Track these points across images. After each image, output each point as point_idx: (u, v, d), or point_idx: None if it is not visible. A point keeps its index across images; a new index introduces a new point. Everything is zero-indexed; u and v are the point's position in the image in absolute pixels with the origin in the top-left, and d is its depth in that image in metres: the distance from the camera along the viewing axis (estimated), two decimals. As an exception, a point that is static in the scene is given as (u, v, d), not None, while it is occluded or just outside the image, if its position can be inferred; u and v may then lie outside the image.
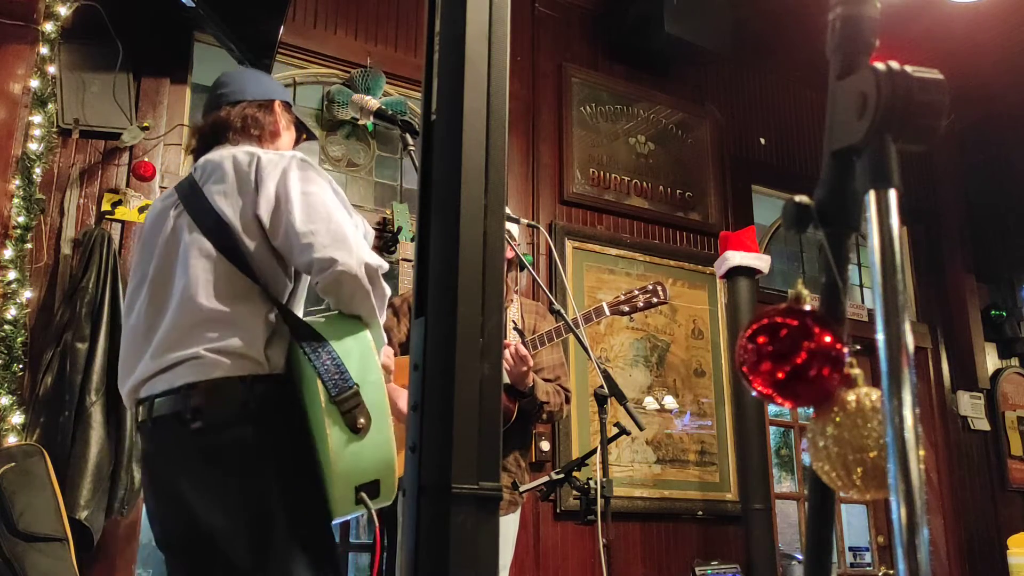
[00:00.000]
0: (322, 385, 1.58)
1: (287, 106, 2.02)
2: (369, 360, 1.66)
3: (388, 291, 1.74)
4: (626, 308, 2.91)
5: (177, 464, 1.66)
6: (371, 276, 1.65)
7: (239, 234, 1.69)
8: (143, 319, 1.75)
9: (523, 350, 2.61)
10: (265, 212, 1.69)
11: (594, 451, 2.55)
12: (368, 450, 1.59)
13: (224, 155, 1.79)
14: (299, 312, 1.80)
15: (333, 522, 1.65)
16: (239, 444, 1.61)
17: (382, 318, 1.74)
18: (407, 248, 3.62)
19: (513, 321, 2.85)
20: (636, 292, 2.93)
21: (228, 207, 1.71)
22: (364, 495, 1.59)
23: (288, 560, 1.57)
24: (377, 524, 1.61)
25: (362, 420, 1.58)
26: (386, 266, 1.73)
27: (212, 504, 1.63)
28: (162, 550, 1.80)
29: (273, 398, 1.65)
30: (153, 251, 1.80)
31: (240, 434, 1.61)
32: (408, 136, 2.09)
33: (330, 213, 1.67)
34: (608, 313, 2.89)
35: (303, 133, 2.11)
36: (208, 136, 1.91)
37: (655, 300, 2.91)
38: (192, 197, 1.77)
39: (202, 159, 1.85)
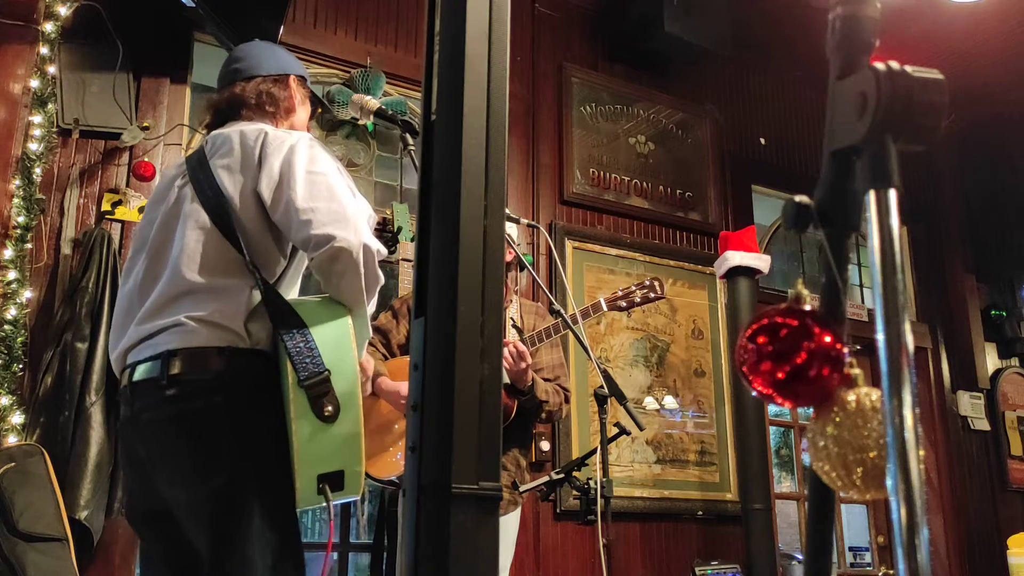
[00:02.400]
0: (291, 367, 1.57)
1: (302, 80, 2.00)
2: (345, 348, 1.64)
3: (382, 278, 1.72)
4: (623, 304, 2.91)
5: (147, 430, 1.65)
6: (367, 258, 1.64)
7: (236, 208, 1.70)
8: (138, 286, 1.76)
9: (521, 347, 2.61)
10: (266, 188, 1.68)
11: (594, 451, 2.55)
12: (334, 439, 1.58)
13: (234, 130, 1.80)
14: (292, 293, 1.80)
15: (297, 510, 1.63)
16: (207, 413, 1.60)
17: (371, 306, 1.73)
18: (407, 248, 3.62)
19: (512, 319, 2.85)
20: (633, 288, 2.93)
21: (230, 181, 1.72)
22: (326, 486, 1.57)
23: (247, 541, 1.55)
24: (331, 520, 1.59)
25: (330, 407, 1.57)
26: (385, 251, 1.71)
27: (175, 474, 1.62)
28: (132, 524, 1.80)
29: (250, 372, 1.64)
30: (155, 219, 1.81)
31: (210, 403, 1.60)
32: (408, 136, 2.09)
33: (333, 193, 1.67)
34: (605, 309, 2.89)
35: (318, 107, 2.11)
36: (223, 111, 1.91)
37: (652, 296, 2.91)
38: (198, 169, 1.77)
39: (213, 133, 1.86)
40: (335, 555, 3.62)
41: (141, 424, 1.66)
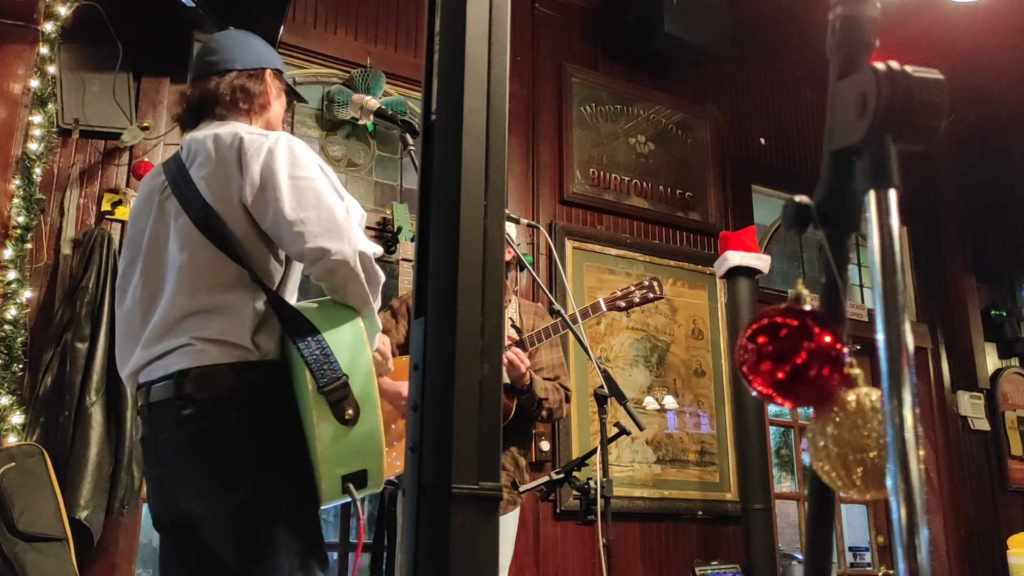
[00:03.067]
0: (310, 375, 1.57)
1: (278, 73, 1.95)
2: (360, 349, 1.64)
3: (382, 276, 1.72)
4: (622, 304, 2.91)
5: (168, 450, 1.66)
6: (364, 263, 1.63)
7: (225, 220, 1.67)
8: (137, 305, 1.74)
9: (519, 354, 2.62)
10: (250, 196, 1.65)
11: (594, 451, 2.55)
12: (356, 440, 1.59)
13: (208, 135, 1.75)
14: (292, 296, 1.79)
15: (322, 507, 1.65)
16: (225, 430, 1.60)
17: (377, 303, 1.72)
18: (407, 248, 3.62)
19: (511, 319, 2.85)
20: (632, 288, 2.93)
21: (212, 192, 1.69)
22: (351, 485, 1.59)
23: (273, 550, 1.56)
24: (362, 517, 1.61)
25: (350, 411, 1.58)
26: (380, 251, 1.71)
27: (196, 491, 1.63)
28: (157, 530, 1.81)
29: (263, 385, 1.64)
30: (143, 232, 1.78)
31: (226, 421, 1.60)
32: (408, 136, 2.08)
33: (320, 199, 1.64)
34: (604, 309, 2.89)
35: (294, 98, 2.08)
36: (196, 108, 1.86)
37: (651, 296, 2.92)
38: (179, 179, 1.74)
39: (188, 138, 1.82)
40: (335, 555, 3.62)
41: (160, 444, 1.68)
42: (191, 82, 1.92)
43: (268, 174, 1.65)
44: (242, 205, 1.67)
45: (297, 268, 1.80)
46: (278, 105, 1.96)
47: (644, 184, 4.54)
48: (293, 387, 1.65)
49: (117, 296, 1.83)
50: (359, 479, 1.61)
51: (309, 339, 1.60)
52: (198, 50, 1.98)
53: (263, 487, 1.59)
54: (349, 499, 1.61)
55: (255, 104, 1.88)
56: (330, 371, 1.58)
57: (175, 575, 1.75)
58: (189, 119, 1.88)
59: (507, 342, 2.66)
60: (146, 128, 3.25)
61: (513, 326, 2.80)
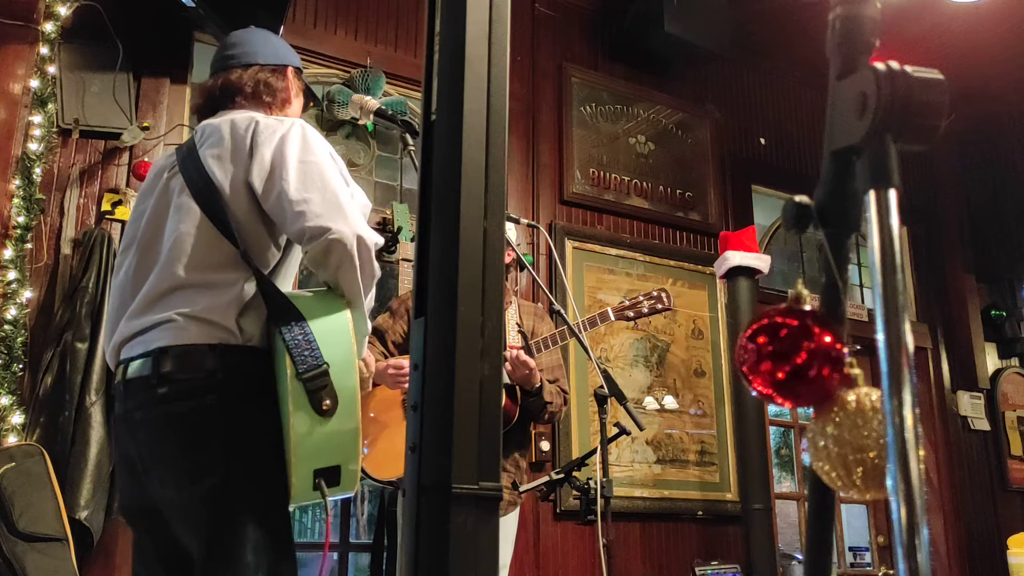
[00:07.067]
0: (290, 360, 1.54)
1: (298, 72, 1.98)
2: (344, 342, 1.61)
3: (378, 271, 1.70)
4: (631, 314, 2.92)
5: (140, 429, 1.63)
6: (362, 249, 1.61)
7: (227, 199, 1.67)
8: (130, 279, 1.73)
9: (523, 356, 2.62)
10: (258, 178, 1.65)
11: (594, 451, 2.55)
12: (331, 433, 1.55)
13: (224, 119, 1.76)
14: (287, 285, 1.77)
15: (291, 507, 1.61)
16: (200, 413, 1.57)
17: (368, 300, 1.70)
18: (407, 248, 3.62)
19: (517, 324, 2.85)
20: (641, 298, 2.94)
21: (220, 171, 1.69)
22: (322, 482, 1.55)
23: (241, 544, 1.53)
24: (328, 515, 1.57)
25: (328, 401, 1.55)
26: (381, 241, 1.69)
27: (166, 476, 1.60)
28: (126, 519, 1.78)
29: (243, 370, 1.61)
30: (144, 211, 1.78)
31: (203, 403, 1.57)
32: (408, 136, 2.08)
33: (326, 182, 1.64)
34: (613, 318, 2.91)
35: (310, 101, 2.09)
36: (216, 99, 1.87)
37: (659, 307, 2.93)
38: (188, 159, 1.74)
39: (203, 123, 1.82)
40: (335, 555, 3.62)
41: (134, 423, 1.64)
42: (212, 74, 1.93)
43: (279, 157, 1.66)
44: (247, 186, 1.67)
45: (294, 258, 1.79)
46: (297, 103, 1.98)
47: (644, 184, 4.54)
48: (274, 375, 1.62)
49: (114, 272, 1.83)
50: (332, 475, 1.57)
51: (293, 324, 1.58)
52: (219, 45, 1.99)
53: (234, 476, 1.56)
54: (319, 500, 1.56)
55: (277, 99, 1.90)
56: (311, 357, 1.55)
57: (150, 569, 1.71)
58: (208, 109, 1.88)
59: (514, 348, 2.66)
60: (146, 128, 3.25)
61: (520, 331, 2.81)
